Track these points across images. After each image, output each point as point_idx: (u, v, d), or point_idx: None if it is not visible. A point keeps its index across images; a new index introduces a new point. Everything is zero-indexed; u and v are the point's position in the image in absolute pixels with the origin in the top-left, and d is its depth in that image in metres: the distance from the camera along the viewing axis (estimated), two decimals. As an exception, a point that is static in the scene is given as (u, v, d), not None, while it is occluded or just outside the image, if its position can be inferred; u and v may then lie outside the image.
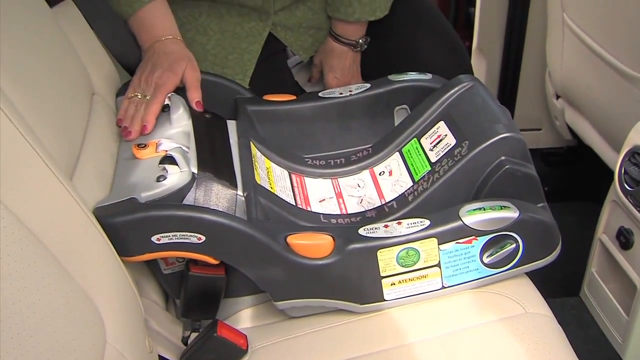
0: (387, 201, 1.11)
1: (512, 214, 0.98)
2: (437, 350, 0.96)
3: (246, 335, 0.99)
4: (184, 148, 1.03)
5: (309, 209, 1.11)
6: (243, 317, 1.07)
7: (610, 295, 1.33)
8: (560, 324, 1.03)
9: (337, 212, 1.12)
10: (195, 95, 1.15)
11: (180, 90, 1.15)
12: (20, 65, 0.87)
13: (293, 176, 1.16)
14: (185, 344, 1.02)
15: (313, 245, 0.95)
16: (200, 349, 0.96)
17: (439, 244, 0.97)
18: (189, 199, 0.97)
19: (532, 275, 1.06)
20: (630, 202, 1.22)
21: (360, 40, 1.42)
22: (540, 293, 1.06)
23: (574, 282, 1.47)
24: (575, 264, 1.44)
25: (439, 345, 0.96)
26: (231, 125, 1.16)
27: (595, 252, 1.37)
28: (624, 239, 1.26)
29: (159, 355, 0.96)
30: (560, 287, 1.49)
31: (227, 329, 0.97)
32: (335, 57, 1.44)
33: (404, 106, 1.24)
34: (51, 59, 0.99)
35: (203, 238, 0.92)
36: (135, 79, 1.17)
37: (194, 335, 1.01)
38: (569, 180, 1.95)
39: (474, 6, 1.89)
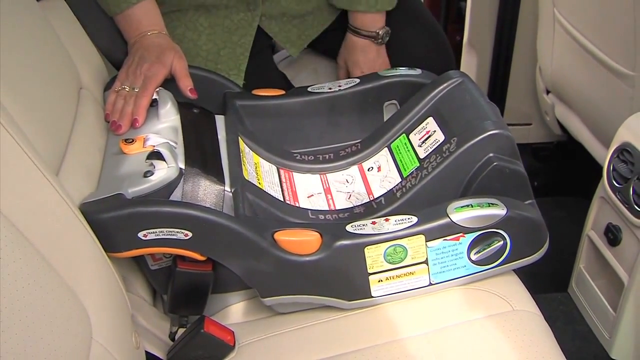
0: (375, 197, 1.11)
1: (500, 211, 0.98)
2: (425, 347, 0.96)
3: (233, 331, 0.98)
4: (172, 143, 1.02)
5: (297, 205, 1.10)
6: (231, 312, 1.07)
7: (598, 292, 1.33)
8: (547, 320, 1.03)
9: (325, 207, 1.11)
10: (187, 83, 1.15)
11: (168, 84, 1.15)
12: (6, 59, 0.86)
13: (281, 171, 1.16)
14: (173, 339, 1.01)
15: (300, 242, 0.95)
16: (187, 345, 0.96)
17: (426, 241, 0.97)
18: (176, 195, 0.97)
19: (520, 270, 1.06)
20: (618, 198, 1.22)
21: (381, 32, 1.41)
22: (528, 288, 1.06)
23: (562, 278, 1.47)
24: (563, 259, 1.44)
25: (426, 342, 0.97)
26: (220, 120, 1.15)
27: (583, 248, 1.37)
28: (612, 236, 1.26)
29: (146, 352, 0.95)
30: (549, 282, 1.49)
31: (214, 325, 0.96)
32: (359, 52, 1.43)
33: (393, 101, 1.23)
34: (38, 53, 0.98)
35: (190, 234, 0.91)
36: (122, 72, 1.16)
37: (181, 331, 1.01)
38: (558, 175, 1.96)
39: (465, 1, 1.89)
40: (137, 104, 1.08)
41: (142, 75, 1.13)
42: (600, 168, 1.28)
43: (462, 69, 1.87)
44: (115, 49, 1.25)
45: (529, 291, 1.06)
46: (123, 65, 1.18)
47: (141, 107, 1.08)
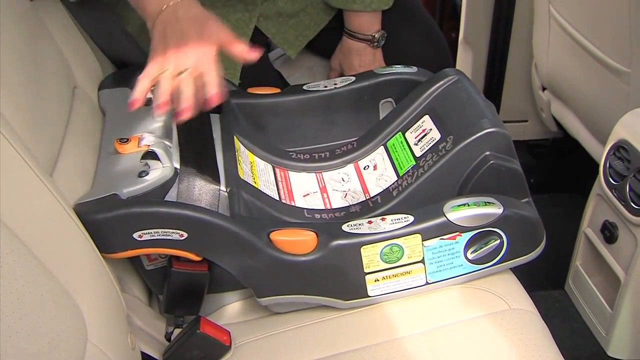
0: (371, 196, 1.11)
1: (497, 210, 0.98)
2: (422, 346, 0.96)
3: (229, 332, 0.98)
4: (167, 143, 1.02)
5: (292, 204, 1.10)
6: (227, 312, 1.06)
7: (595, 289, 1.33)
8: (544, 317, 1.03)
9: (321, 206, 1.11)
10: (242, 47, 1.00)
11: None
12: (-1, 58, 0.86)
13: (277, 170, 1.16)
14: (169, 340, 1.01)
15: (296, 242, 0.95)
16: (183, 345, 0.95)
17: (423, 240, 0.97)
18: (171, 195, 0.96)
19: (516, 268, 1.06)
20: (614, 196, 1.22)
21: (377, 35, 1.41)
22: (524, 286, 1.06)
23: (558, 275, 1.47)
24: (560, 256, 1.44)
25: (423, 341, 0.96)
26: (215, 119, 1.15)
27: (580, 245, 1.37)
28: (608, 233, 1.26)
29: (142, 352, 0.95)
30: (545, 279, 1.49)
31: (210, 325, 0.96)
32: (354, 56, 1.42)
33: (389, 99, 1.23)
34: (31, 52, 0.97)
35: (185, 235, 0.91)
36: (157, 54, 0.99)
37: (177, 331, 1.01)
38: (554, 172, 1.95)
39: (461, -3, 1.88)
40: (208, 82, 0.96)
41: (191, 54, 0.97)
42: (596, 165, 1.28)
43: (457, 66, 1.86)
44: (113, 44, 1.24)
45: (525, 289, 1.06)
46: (154, 47, 1.00)
47: (214, 81, 0.96)
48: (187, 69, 0.96)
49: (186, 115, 0.95)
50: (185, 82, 0.96)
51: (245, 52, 1.00)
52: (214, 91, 0.95)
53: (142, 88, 0.96)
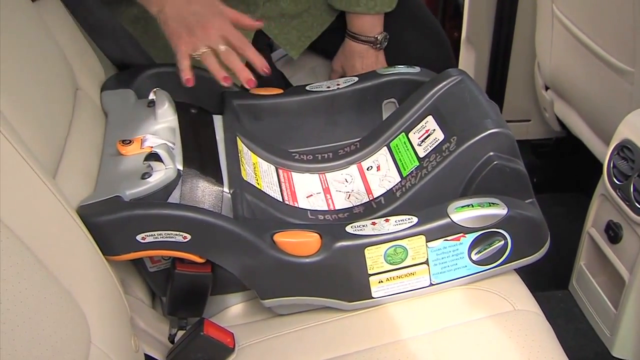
0: (375, 197, 1.10)
1: (501, 210, 0.97)
2: (426, 348, 0.95)
3: (233, 334, 0.98)
4: (169, 144, 1.02)
5: (296, 205, 1.10)
6: (230, 314, 1.06)
7: (599, 289, 1.33)
8: (548, 318, 1.02)
9: (325, 207, 1.11)
10: (249, 22, 1.13)
11: (166, 83, 1.14)
12: (1, 61, 0.85)
13: (280, 171, 1.15)
14: (172, 342, 1.01)
15: (300, 243, 0.94)
16: (186, 347, 0.95)
17: (427, 242, 0.96)
18: (174, 197, 0.96)
19: (520, 268, 1.05)
20: (619, 196, 1.21)
21: (379, 37, 1.41)
22: (528, 286, 1.06)
23: (562, 275, 1.47)
24: (563, 256, 1.44)
25: (427, 343, 0.96)
26: (217, 120, 1.15)
27: (583, 245, 1.37)
28: (612, 233, 1.26)
29: (145, 354, 0.95)
30: (548, 279, 1.48)
31: (213, 327, 0.96)
32: (357, 58, 1.42)
33: (392, 100, 1.23)
34: (33, 54, 0.97)
35: (188, 237, 0.91)
36: (182, 41, 1.09)
37: (180, 333, 1.00)
38: (557, 172, 1.95)
39: (463, -3, 1.88)
40: (250, 55, 1.09)
41: (217, 32, 1.08)
42: (600, 164, 1.27)
43: (460, 66, 1.86)
44: (114, 45, 1.24)
45: (528, 289, 1.06)
46: (173, 34, 1.10)
47: (256, 54, 1.09)
48: (219, 46, 1.07)
49: (252, 83, 1.08)
50: (231, 57, 1.08)
51: (254, 22, 1.12)
52: (260, 61, 1.08)
53: (186, 66, 1.08)
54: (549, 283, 1.48)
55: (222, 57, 1.08)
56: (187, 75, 1.08)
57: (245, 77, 1.08)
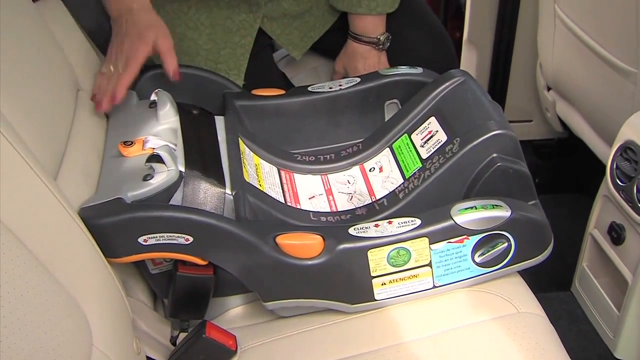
0: (377, 198, 1.10)
1: (504, 213, 0.97)
2: (429, 350, 0.95)
3: (235, 336, 0.98)
4: (171, 145, 1.01)
5: (298, 207, 1.09)
6: (232, 316, 1.06)
7: (602, 290, 1.32)
8: (551, 319, 1.02)
9: (327, 209, 1.10)
10: (171, 63, 1.11)
11: (167, 84, 1.14)
12: (2, 62, 0.85)
13: (282, 173, 1.15)
14: (174, 344, 1.00)
15: (302, 246, 0.94)
16: (188, 350, 0.95)
17: (430, 244, 0.96)
18: (176, 199, 0.96)
19: (523, 269, 1.05)
20: (622, 197, 1.21)
21: (382, 37, 1.41)
22: (531, 287, 1.06)
23: (565, 276, 1.47)
24: (566, 257, 1.43)
25: (430, 345, 0.96)
26: (219, 121, 1.14)
27: (586, 247, 1.36)
28: (615, 235, 1.25)
29: (147, 357, 0.94)
30: (551, 281, 1.48)
31: (215, 329, 0.95)
32: (359, 59, 1.42)
33: (395, 101, 1.22)
34: (35, 55, 0.97)
35: (191, 239, 0.90)
36: (108, 53, 1.13)
37: (182, 335, 1.00)
38: (559, 172, 1.95)
39: (465, -3, 1.88)
40: (118, 82, 1.07)
41: (124, 54, 1.10)
42: (601, 165, 1.27)
43: (461, 66, 1.86)
44: None
45: (531, 290, 1.05)
46: (109, 46, 1.14)
47: (121, 85, 1.06)
48: (120, 66, 1.09)
49: (97, 106, 1.07)
50: (110, 78, 1.08)
51: (173, 69, 1.11)
52: (115, 90, 1.06)
53: (95, 83, 1.10)
54: (551, 284, 1.48)
55: (110, 77, 1.09)
56: (92, 91, 1.10)
57: (96, 100, 1.08)
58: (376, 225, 0.97)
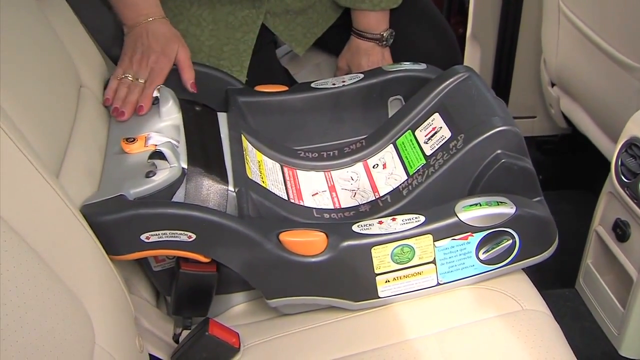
0: (381, 195, 1.09)
1: (509, 209, 0.96)
2: (433, 348, 0.95)
3: (238, 333, 0.97)
4: (174, 142, 1.01)
5: (301, 204, 1.09)
6: (235, 313, 1.06)
7: (606, 287, 1.32)
8: (555, 316, 1.02)
9: (330, 206, 1.10)
10: (189, 76, 1.16)
11: (169, 81, 1.13)
12: (3, 58, 0.84)
13: (285, 169, 1.14)
14: (177, 341, 1.00)
15: (306, 243, 0.94)
16: (191, 347, 0.94)
17: (434, 241, 0.95)
18: (178, 195, 0.95)
19: (528, 266, 1.05)
20: (627, 194, 1.20)
21: (385, 34, 1.40)
22: (535, 284, 1.05)
23: (569, 273, 1.46)
24: (570, 254, 1.42)
25: (434, 343, 0.95)
26: (222, 117, 1.14)
27: (591, 243, 1.36)
28: (620, 231, 1.25)
29: (150, 354, 0.94)
30: (556, 278, 1.48)
31: (218, 327, 0.95)
32: (363, 55, 1.42)
33: (398, 97, 1.22)
34: (37, 52, 0.96)
35: (193, 236, 0.90)
36: (124, 59, 1.15)
37: (185, 332, 1.00)
38: (563, 169, 1.94)
39: (468, -7, 1.87)
40: (144, 94, 1.10)
41: (148, 67, 1.13)
42: (606, 161, 1.27)
43: (465, 62, 1.85)
44: (115, 45, 1.23)
45: (535, 287, 1.05)
46: (124, 52, 1.17)
47: (148, 96, 1.10)
48: (142, 78, 1.12)
49: (119, 116, 1.08)
50: (133, 89, 1.10)
51: (190, 82, 1.16)
52: (142, 102, 1.09)
53: (109, 87, 1.12)
54: (556, 281, 1.47)
55: (130, 84, 1.12)
56: (105, 94, 1.11)
57: (114, 109, 1.09)
58: (380, 222, 0.96)
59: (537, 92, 1.86)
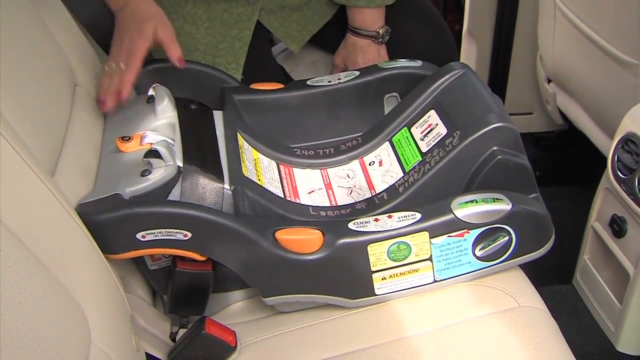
0: (377, 192, 1.09)
1: (505, 206, 0.96)
2: (430, 345, 0.95)
3: (235, 332, 0.97)
4: (169, 140, 1.00)
5: (297, 201, 1.09)
6: (232, 312, 1.05)
7: (603, 283, 1.32)
8: (552, 312, 1.02)
9: (327, 203, 1.10)
10: (174, 52, 1.10)
11: (167, 80, 1.13)
12: (-2, 58, 0.84)
13: (281, 167, 1.14)
14: (174, 340, 1.00)
15: (302, 240, 0.94)
16: (188, 346, 0.94)
17: (430, 238, 0.95)
18: (174, 194, 0.95)
19: (524, 263, 1.05)
20: (623, 190, 1.20)
21: (381, 31, 1.40)
22: (532, 281, 1.05)
23: (566, 270, 1.46)
24: (567, 250, 1.43)
25: (431, 340, 0.95)
26: (218, 115, 1.13)
27: (587, 239, 1.35)
28: (617, 227, 1.25)
29: (146, 353, 0.94)
30: (552, 274, 1.47)
31: (215, 325, 0.95)
32: (358, 52, 1.41)
33: (394, 94, 1.22)
34: (31, 51, 0.96)
35: (189, 235, 0.90)
36: (111, 49, 1.11)
37: (182, 331, 1.00)
38: (560, 165, 1.94)
39: (464, -11, 1.87)
40: (122, 80, 1.05)
41: (124, 50, 1.08)
42: (602, 157, 1.26)
43: (461, 59, 1.85)
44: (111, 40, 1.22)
45: (532, 284, 1.05)
46: (112, 40, 1.12)
47: (126, 81, 1.05)
48: (122, 62, 1.06)
49: (101, 106, 1.05)
50: (113, 76, 1.06)
51: (177, 57, 1.09)
52: (120, 88, 1.04)
53: (98, 80, 1.08)
54: (553, 278, 1.47)
55: (112, 74, 1.07)
56: (97, 89, 1.08)
57: (102, 101, 1.06)
58: (376, 220, 0.96)
59: (534, 88, 1.86)
